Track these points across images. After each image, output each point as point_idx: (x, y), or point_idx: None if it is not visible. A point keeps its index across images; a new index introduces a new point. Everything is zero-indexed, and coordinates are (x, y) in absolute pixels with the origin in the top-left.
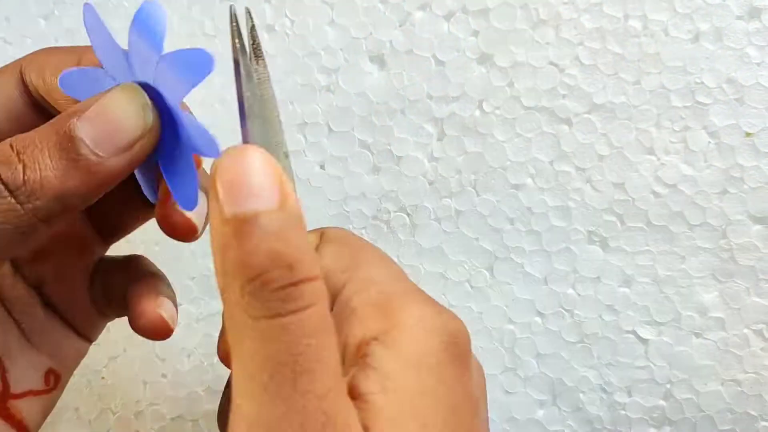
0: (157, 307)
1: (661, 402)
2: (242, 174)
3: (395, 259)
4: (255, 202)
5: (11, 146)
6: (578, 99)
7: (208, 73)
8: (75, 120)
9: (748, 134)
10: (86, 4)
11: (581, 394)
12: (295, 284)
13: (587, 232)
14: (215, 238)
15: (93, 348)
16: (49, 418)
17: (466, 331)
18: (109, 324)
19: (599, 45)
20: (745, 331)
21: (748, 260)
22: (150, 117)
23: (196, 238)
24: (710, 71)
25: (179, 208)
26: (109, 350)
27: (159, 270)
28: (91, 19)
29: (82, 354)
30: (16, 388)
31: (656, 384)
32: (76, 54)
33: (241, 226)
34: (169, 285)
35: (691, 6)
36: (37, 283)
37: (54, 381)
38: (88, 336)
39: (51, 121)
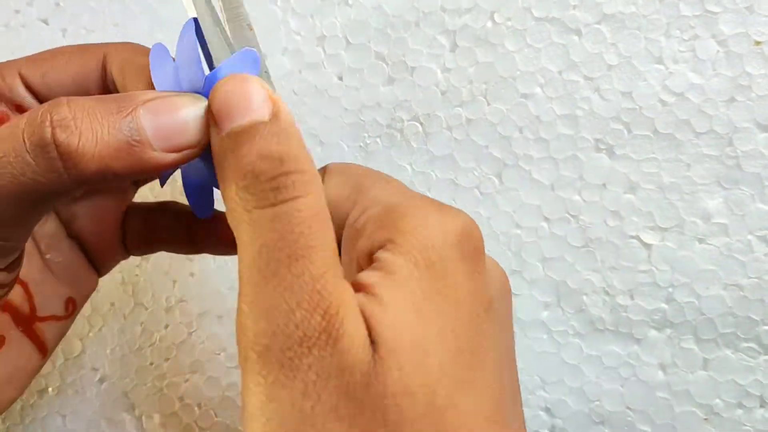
0: None
1: (663, 305)
2: (235, 95)
3: (408, 167)
4: (248, 116)
5: (69, 107)
6: (588, 9)
7: None
8: (140, 108)
9: (757, 42)
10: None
11: (584, 297)
12: (285, 174)
13: (594, 140)
14: (216, 158)
15: None
16: (87, 312)
17: (476, 229)
18: None
19: None
20: (749, 237)
21: (754, 167)
22: (207, 132)
23: None
24: None
25: None
26: None
27: None
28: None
29: (94, 286)
30: (40, 312)
31: (658, 287)
32: None
33: (237, 137)
34: None
35: None
36: (69, 218)
37: (72, 308)
38: (101, 270)
39: (115, 96)
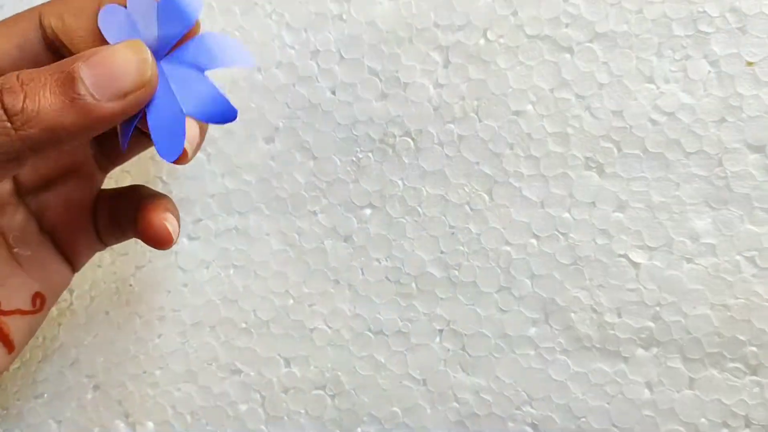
0: (163, 220)
1: (650, 323)
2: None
3: (399, 182)
4: None
5: (17, 77)
6: (581, 28)
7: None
8: (79, 63)
9: (749, 63)
10: None
11: (572, 314)
12: None
13: (584, 158)
14: None
15: (122, 258)
16: (83, 320)
17: None
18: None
19: None
20: (737, 257)
21: (743, 188)
22: (149, 72)
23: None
24: (713, 0)
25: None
26: (137, 260)
27: (163, 193)
28: None
29: (67, 283)
30: (5, 306)
31: (645, 306)
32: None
33: None
34: (173, 204)
35: None
36: (39, 210)
37: (40, 303)
38: (75, 264)
39: (59, 62)
